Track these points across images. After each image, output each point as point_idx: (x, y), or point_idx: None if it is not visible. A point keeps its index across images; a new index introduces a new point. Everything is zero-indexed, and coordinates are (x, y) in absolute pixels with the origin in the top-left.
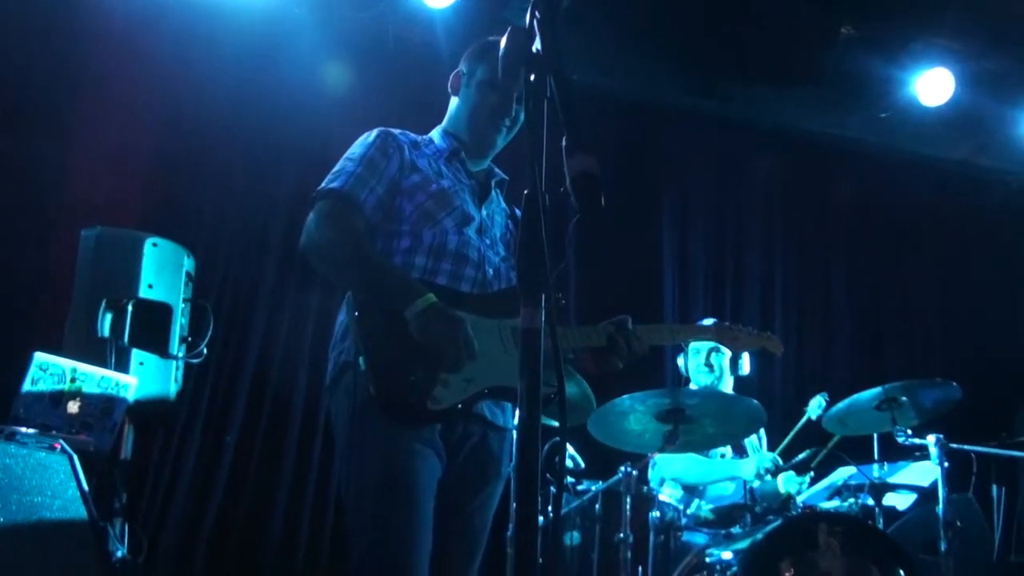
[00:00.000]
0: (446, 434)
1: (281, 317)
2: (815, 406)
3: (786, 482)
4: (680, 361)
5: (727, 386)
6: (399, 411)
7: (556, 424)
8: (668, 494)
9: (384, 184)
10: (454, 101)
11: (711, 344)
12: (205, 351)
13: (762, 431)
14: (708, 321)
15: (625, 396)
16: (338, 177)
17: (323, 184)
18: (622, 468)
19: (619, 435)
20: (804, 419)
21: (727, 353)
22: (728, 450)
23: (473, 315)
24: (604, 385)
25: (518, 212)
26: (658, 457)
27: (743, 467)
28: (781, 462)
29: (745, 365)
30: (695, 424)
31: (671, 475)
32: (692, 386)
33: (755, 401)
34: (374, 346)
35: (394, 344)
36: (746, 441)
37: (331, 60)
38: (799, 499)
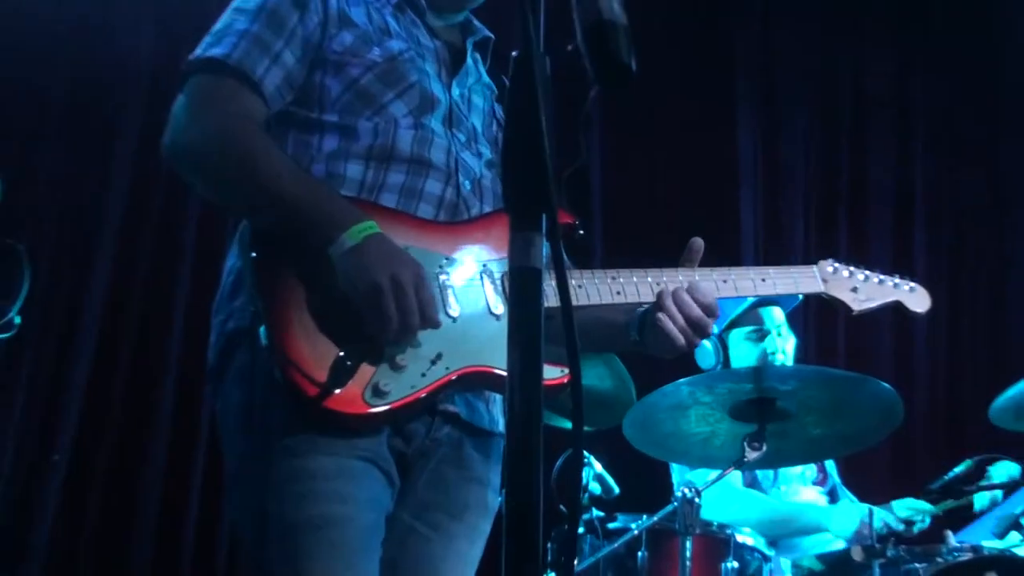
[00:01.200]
0: (399, 443)
1: (136, 264)
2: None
3: (899, 507)
4: (708, 344)
5: None
6: (322, 410)
7: (571, 427)
8: (749, 531)
9: (295, 49)
10: None
11: (793, 301)
12: (18, 320)
13: None
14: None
15: (681, 381)
16: (221, 40)
17: (197, 51)
18: (678, 494)
19: (673, 442)
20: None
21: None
22: (810, 470)
23: (441, 255)
24: (648, 365)
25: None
26: (691, 475)
27: (834, 519)
28: (923, 515)
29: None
30: (792, 422)
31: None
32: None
33: (886, 385)
34: (282, 306)
35: (315, 302)
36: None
37: None
38: (952, 540)
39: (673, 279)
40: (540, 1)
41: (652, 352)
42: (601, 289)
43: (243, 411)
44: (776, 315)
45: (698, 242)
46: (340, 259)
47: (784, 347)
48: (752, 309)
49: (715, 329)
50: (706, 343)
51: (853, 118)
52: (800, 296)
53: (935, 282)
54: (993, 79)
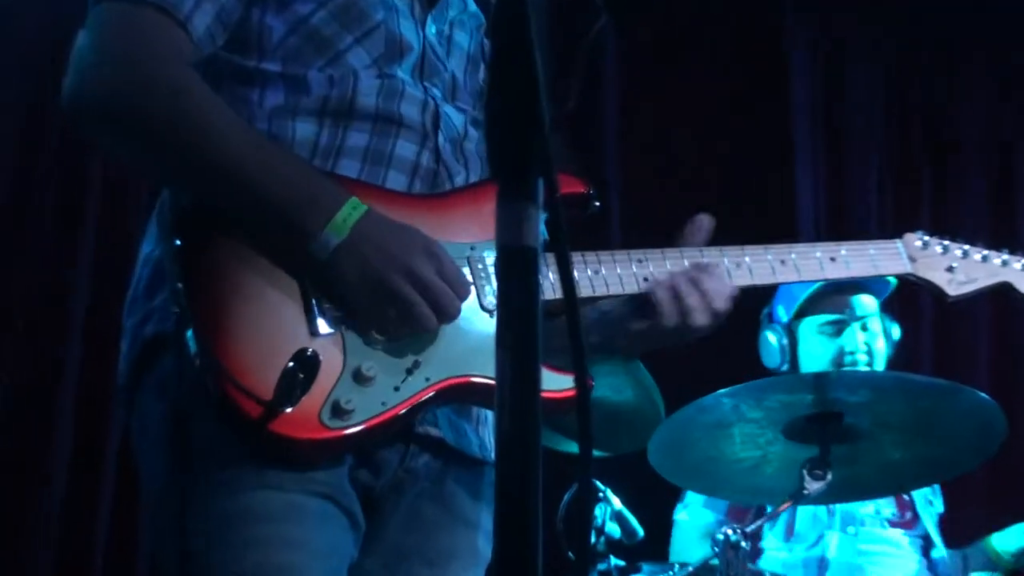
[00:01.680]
0: (366, 475)
1: (21, 245)
2: None
3: (1001, 540)
4: (772, 339)
5: None
6: (267, 434)
7: (579, 452)
8: None
9: None
10: None
11: (885, 286)
12: None
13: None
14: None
15: (723, 392)
16: None
17: None
18: (720, 535)
19: (711, 470)
20: None
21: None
22: (888, 506)
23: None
24: (682, 371)
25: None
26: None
27: None
28: None
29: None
30: (865, 443)
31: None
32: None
33: (984, 395)
34: (215, 303)
35: (259, 297)
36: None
37: None
38: None
39: (715, 261)
40: None
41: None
42: (624, 276)
43: (166, 433)
44: (865, 303)
45: (703, 220)
46: (329, 263)
47: (873, 345)
48: (832, 292)
49: (783, 316)
50: (769, 335)
51: (937, 54)
52: (892, 280)
53: None
54: None
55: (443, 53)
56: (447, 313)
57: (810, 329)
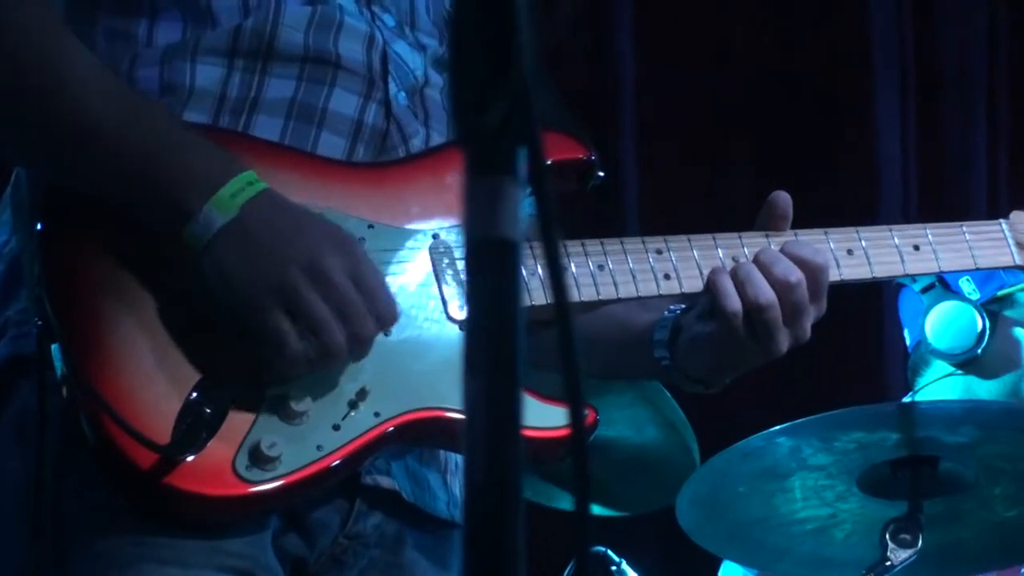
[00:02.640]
0: (296, 543)
1: None
2: None
3: None
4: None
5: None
6: (163, 489)
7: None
8: None
9: None
10: None
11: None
12: None
13: None
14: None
15: (777, 430)
16: None
17: None
18: None
19: (761, 535)
20: None
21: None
22: None
23: (362, 221)
24: (719, 402)
25: None
26: None
27: None
28: None
29: None
30: (969, 498)
31: None
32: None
33: None
34: (90, 314)
35: (149, 304)
36: None
37: None
38: None
39: (760, 249)
40: None
41: (692, 384)
42: (638, 272)
43: (24, 491)
44: None
45: (782, 197)
46: (208, 249)
47: None
48: None
49: (975, 294)
50: (956, 305)
51: None
52: None
53: None
54: None
55: None
56: (358, 330)
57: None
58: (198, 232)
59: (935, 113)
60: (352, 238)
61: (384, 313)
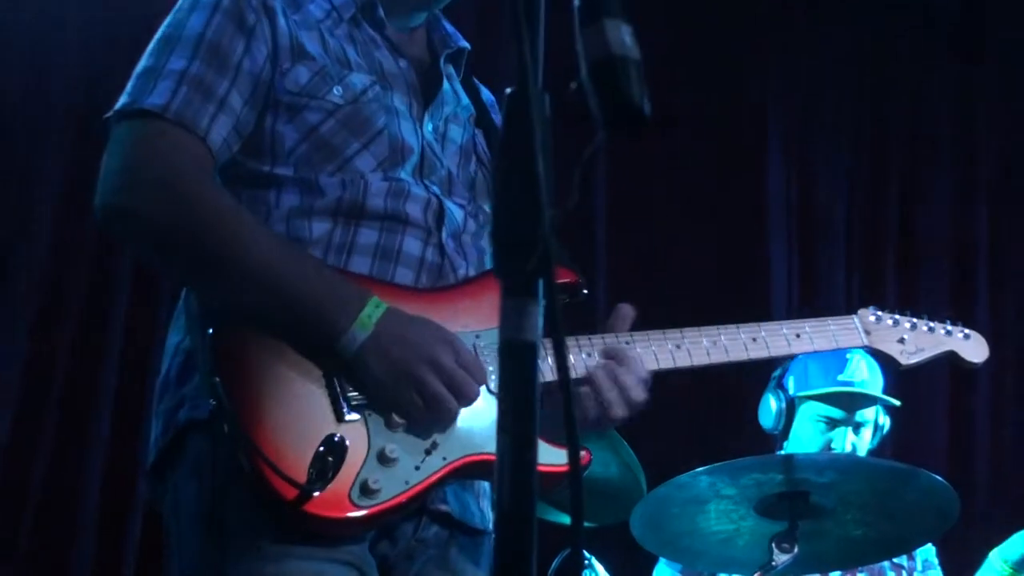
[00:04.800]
0: (385, 546)
1: (57, 337)
2: None
3: (1003, 551)
4: (773, 405)
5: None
6: (301, 514)
7: (569, 522)
8: None
9: (243, 89)
10: None
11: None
12: None
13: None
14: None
15: (700, 470)
16: (155, 84)
17: (126, 98)
18: None
19: (689, 543)
20: None
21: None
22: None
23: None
24: (662, 450)
25: (485, 97)
26: None
27: None
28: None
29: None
30: (829, 520)
31: None
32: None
33: (940, 479)
34: (250, 394)
35: (289, 385)
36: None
37: None
38: None
39: (695, 341)
40: (539, 29)
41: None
42: (575, 361)
43: (200, 510)
44: (866, 414)
45: (625, 309)
46: (357, 357)
47: (858, 447)
48: (846, 396)
49: (790, 388)
50: (772, 399)
51: (905, 157)
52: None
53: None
54: None
55: (439, 150)
56: (468, 397)
57: (809, 412)
58: (348, 345)
59: (813, 257)
60: (443, 330)
61: (481, 379)
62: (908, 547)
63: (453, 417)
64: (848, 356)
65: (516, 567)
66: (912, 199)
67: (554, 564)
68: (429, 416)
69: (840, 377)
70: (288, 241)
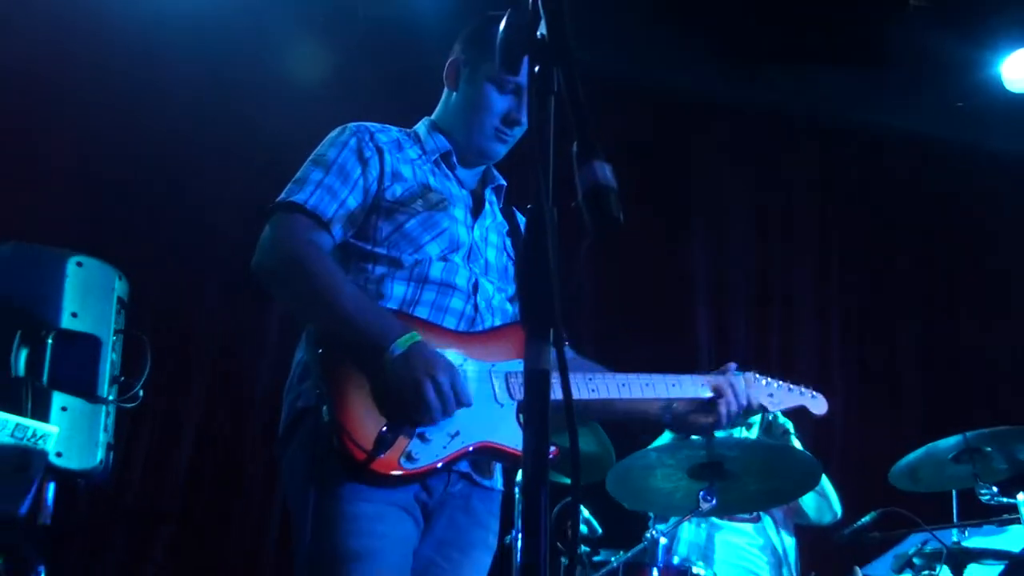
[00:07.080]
0: (424, 495)
1: (232, 354)
2: None
3: None
4: None
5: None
6: (368, 471)
7: (567, 481)
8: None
9: (358, 196)
10: (449, 94)
11: None
12: (141, 393)
13: (830, 490)
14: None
15: (650, 448)
16: (301, 187)
17: (282, 195)
18: (648, 535)
19: (644, 495)
20: None
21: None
22: (775, 518)
23: (461, 356)
24: (627, 434)
25: (519, 217)
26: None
27: None
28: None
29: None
30: (735, 481)
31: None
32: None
33: (808, 454)
34: (340, 390)
35: (365, 389)
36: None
37: (285, 45)
38: (859, 571)
39: (625, 381)
40: (550, 168)
41: (678, 430)
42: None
43: (307, 468)
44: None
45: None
46: (391, 363)
47: (751, 434)
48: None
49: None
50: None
51: (782, 235)
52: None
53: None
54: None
55: (483, 247)
56: (447, 410)
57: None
58: (387, 359)
59: (724, 317)
60: (453, 364)
61: (463, 400)
62: (789, 497)
63: (437, 419)
64: None
65: (534, 510)
66: (787, 271)
67: (556, 508)
68: (423, 414)
69: None
70: (363, 293)
